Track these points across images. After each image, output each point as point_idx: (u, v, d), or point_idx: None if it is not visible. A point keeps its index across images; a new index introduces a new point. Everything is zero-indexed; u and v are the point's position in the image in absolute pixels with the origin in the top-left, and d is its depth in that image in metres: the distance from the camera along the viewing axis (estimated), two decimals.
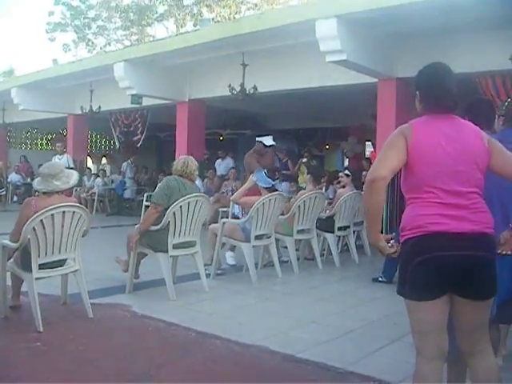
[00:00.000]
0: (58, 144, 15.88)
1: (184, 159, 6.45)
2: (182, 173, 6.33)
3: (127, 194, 17.44)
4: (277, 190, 7.80)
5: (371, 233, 2.88)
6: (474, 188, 2.77)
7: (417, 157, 2.75)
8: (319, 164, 16.86)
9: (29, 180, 19.82)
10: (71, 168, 16.10)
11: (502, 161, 2.86)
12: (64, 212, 4.93)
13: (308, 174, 8.80)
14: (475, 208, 2.74)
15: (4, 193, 18.55)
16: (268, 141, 9.45)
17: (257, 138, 9.63)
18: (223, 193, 13.02)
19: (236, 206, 9.41)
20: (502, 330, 4.11)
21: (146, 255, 6.40)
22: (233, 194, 7.15)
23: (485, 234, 2.72)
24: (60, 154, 14.95)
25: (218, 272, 7.40)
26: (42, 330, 4.73)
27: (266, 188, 7.49)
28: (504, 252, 3.53)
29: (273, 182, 7.59)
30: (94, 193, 17.11)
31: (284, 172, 14.40)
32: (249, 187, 7.39)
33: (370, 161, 15.55)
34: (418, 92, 2.98)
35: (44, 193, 5.13)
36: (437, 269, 2.67)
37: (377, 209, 2.83)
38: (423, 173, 2.75)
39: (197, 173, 6.55)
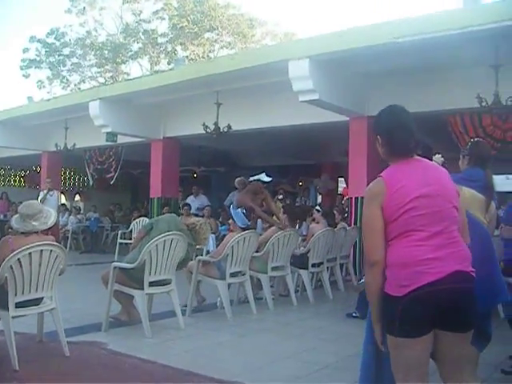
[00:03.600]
0: (47, 180, 15.76)
1: None
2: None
3: None
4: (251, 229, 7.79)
5: (372, 312, 2.93)
6: (452, 226, 2.82)
7: (394, 210, 2.78)
8: (295, 202, 16.88)
9: (1, 217, 19.55)
10: (62, 205, 16.03)
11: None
12: (42, 251, 4.96)
13: (284, 213, 8.89)
14: (455, 247, 2.79)
15: None
16: (265, 177, 9.54)
17: (251, 178, 9.70)
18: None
19: (211, 243, 9.46)
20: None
21: (133, 297, 6.41)
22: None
23: (466, 272, 2.77)
24: (51, 190, 14.94)
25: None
26: (18, 368, 4.71)
27: (243, 228, 7.63)
28: None
29: (249, 223, 7.68)
30: (68, 230, 17.00)
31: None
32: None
33: (342, 197, 15.77)
34: (378, 136, 3.01)
35: (22, 232, 5.17)
36: (425, 304, 2.69)
37: (375, 288, 2.84)
38: (402, 220, 2.78)
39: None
